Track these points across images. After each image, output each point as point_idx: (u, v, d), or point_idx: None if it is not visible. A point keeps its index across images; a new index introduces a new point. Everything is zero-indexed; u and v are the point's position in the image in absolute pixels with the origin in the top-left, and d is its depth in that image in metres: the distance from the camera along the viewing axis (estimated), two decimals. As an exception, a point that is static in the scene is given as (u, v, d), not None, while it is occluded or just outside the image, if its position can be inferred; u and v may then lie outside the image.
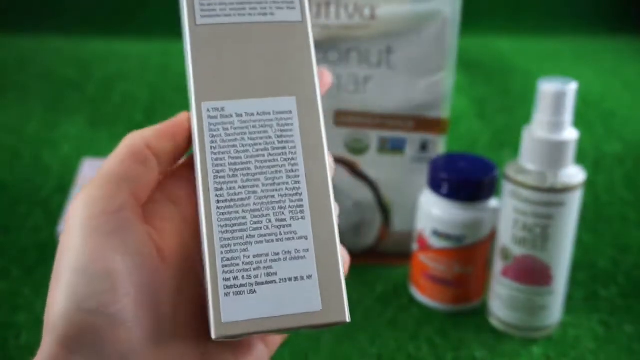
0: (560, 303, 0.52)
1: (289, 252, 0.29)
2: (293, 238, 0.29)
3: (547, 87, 0.47)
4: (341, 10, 0.54)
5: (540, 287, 0.51)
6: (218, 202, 0.29)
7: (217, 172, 0.29)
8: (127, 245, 0.28)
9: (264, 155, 0.29)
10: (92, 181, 0.29)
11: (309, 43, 0.31)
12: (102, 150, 0.76)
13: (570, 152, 0.49)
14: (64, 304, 0.26)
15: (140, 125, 0.82)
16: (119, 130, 0.81)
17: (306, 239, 0.29)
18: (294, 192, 0.29)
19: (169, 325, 0.28)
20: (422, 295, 0.55)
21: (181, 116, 0.31)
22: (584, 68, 1.04)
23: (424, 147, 0.57)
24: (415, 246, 0.55)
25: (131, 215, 0.28)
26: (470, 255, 0.53)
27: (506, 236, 0.51)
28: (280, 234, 0.29)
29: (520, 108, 0.89)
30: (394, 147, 0.57)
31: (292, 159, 0.30)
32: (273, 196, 0.29)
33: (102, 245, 0.27)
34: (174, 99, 0.89)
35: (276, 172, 0.29)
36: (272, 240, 0.29)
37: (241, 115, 0.30)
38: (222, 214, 0.28)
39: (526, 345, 0.51)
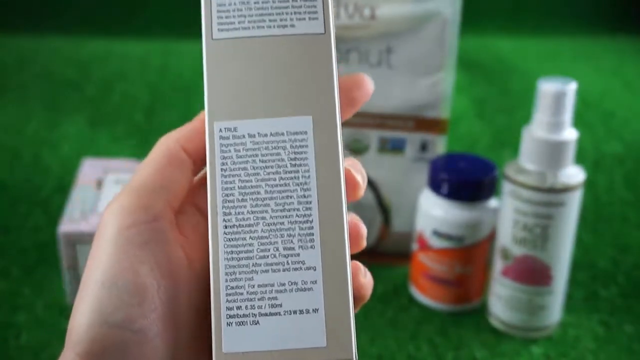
0: (560, 303, 0.52)
1: (296, 283, 0.27)
2: (301, 268, 0.27)
3: (547, 87, 0.47)
4: (341, 10, 0.54)
5: (540, 287, 0.51)
6: (225, 227, 0.28)
7: (226, 195, 0.28)
8: (159, 258, 0.27)
9: (275, 179, 0.28)
10: (127, 189, 0.28)
11: (330, 57, 0.29)
12: (102, 150, 0.76)
13: (570, 152, 0.49)
14: (89, 317, 0.26)
15: (140, 125, 0.82)
16: (119, 130, 0.81)
17: (314, 270, 0.27)
18: (305, 219, 0.28)
19: (190, 339, 0.28)
20: (422, 295, 0.55)
21: (202, 114, 0.30)
22: (584, 68, 1.04)
23: (424, 147, 0.57)
24: (415, 246, 0.55)
25: (166, 225, 0.28)
26: (470, 255, 0.53)
27: (506, 236, 0.51)
28: (288, 263, 0.27)
29: (520, 108, 0.89)
30: (394, 147, 0.57)
31: (305, 183, 0.28)
32: (282, 223, 0.28)
33: (133, 258, 0.26)
34: (174, 99, 0.89)
35: (287, 197, 0.28)
36: (279, 270, 0.27)
37: (254, 136, 0.28)
38: (229, 239, 0.27)
39: (526, 345, 0.51)
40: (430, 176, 0.53)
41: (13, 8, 1.11)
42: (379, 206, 0.59)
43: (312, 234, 0.28)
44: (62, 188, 0.68)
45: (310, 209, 0.28)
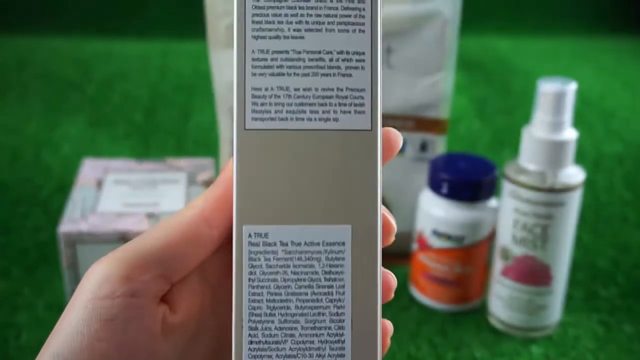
0: (560, 303, 0.52)
1: None
2: None
3: (547, 87, 0.47)
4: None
5: (540, 287, 0.51)
6: (251, 343, 0.26)
7: (253, 308, 0.26)
8: (122, 338, 0.26)
9: (307, 294, 0.26)
10: (120, 250, 0.27)
11: (375, 158, 0.26)
12: (102, 150, 0.76)
13: (570, 152, 0.49)
14: None
15: (140, 125, 0.82)
16: (119, 130, 0.81)
17: None
18: (336, 339, 0.26)
19: None
20: (422, 295, 0.55)
21: (229, 170, 0.27)
22: (583, 68, 1.04)
23: (424, 147, 0.57)
24: (415, 246, 0.55)
25: (144, 301, 0.26)
26: (470, 255, 0.53)
27: (506, 236, 0.51)
28: None
29: (520, 108, 0.89)
30: (394, 147, 0.57)
31: (339, 300, 0.26)
32: (312, 342, 0.26)
33: (93, 334, 0.25)
34: (174, 99, 0.89)
35: (319, 314, 0.26)
36: None
37: (286, 245, 0.26)
38: (254, 356, 0.26)
39: (526, 345, 0.51)
40: (430, 176, 0.53)
41: (13, 8, 1.11)
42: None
43: (343, 355, 0.26)
44: (62, 188, 0.68)
45: (342, 327, 0.26)
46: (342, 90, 0.26)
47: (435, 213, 0.53)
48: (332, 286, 0.26)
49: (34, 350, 0.49)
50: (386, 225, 0.27)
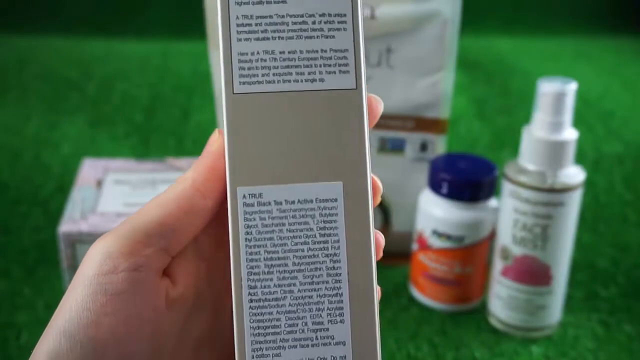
0: (560, 303, 0.52)
1: (325, 359, 0.26)
2: (330, 343, 0.26)
3: (547, 87, 0.47)
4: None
5: (540, 287, 0.51)
6: (251, 301, 0.26)
7: (252, 267, 0.26)
8: (129, 312, 0.26)
9: (303, 250, 0.26)
10: (121, 227, 0.27)
11: (362, 116, 0.27)
12: (102, 150, 0.76)
13: (570, 152, 0.49)
14: None
15: (140, 126, 0.82)
16: (119, 130, 0.81)
17: (344, 344, 0.26)
18: (334, 292, 0.26)
19: None
20: (422, 295, 0.55)
21: (215, 143, 0.28)
22: (584, 68, 1.04)
23: (424, 147, 0.57)
24: (415, 246, 0.55)
25: (148, 276, 0.26)
26: (470, 255, 0.53)
27: (506, 236, 0.51)
28: (317, 338, 0.26)
29: (520, 108, 0.89)
30: (394, 147, 0.57)
31: (335, 254, 0.27)
32: (311, 296, 0.26)
33: (100, 309, 0.26)
34: (174, 99, 0.89)
35: (316, 269, 0.26)
36: (307, 345, 0.26)
37: (280, 204, 0.26)
38: (255, 314, 0.26)
39: (526, 345, 0.51)
40: (430, 176, 0.53)
41: (13, 8, 1.11)
42: (379, 206, 0.59)
43: (342, 308, 0.26)
44: (62, 188, 0.68)
45: (340, 281, 0.27)
46: (326, 51, 0.27)
47: (435, 213, 0.53)
48: (327, 241, 0.27)
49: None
50: (372, 184, 0.28)
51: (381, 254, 0.28)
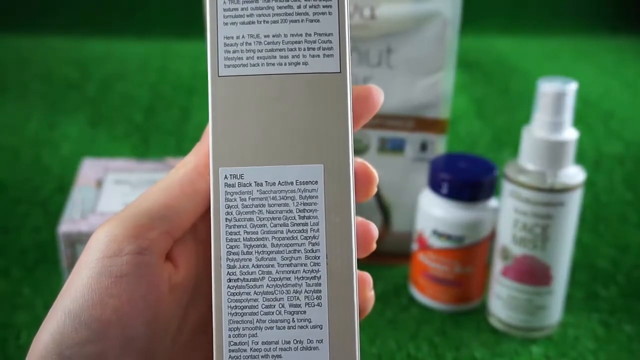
0: (560, 303, 0.52)
1: (301, 342, 0.26)
2: (307, 326, 0.26)
3: (547, 87, 0.47)
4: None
5: (540, 287, 0.51)
6: (229, 280, 0.26)
7: (231, 247, 0.26)
8: (133, 294, 0.26)
9: (282, 232, 0.27)
10: (124, 211, 0.27)
11: (345, 99, 0.27)
12: (102, 150, 0.76)
13: (570, 152, 0.49)
14: (46, 345, 0.26)
15: (140, 126, 0.82)
16: (119, 130, 0.81)
17: (321, 328, 0.26)
18: (312, 275, 0.26)
19: None
20: (422, 295, 0.55)
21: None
22: (584, 68, 1.04)
23: (424, 147, 0.57)
24: (415, 246, 0.55)
25: (152, 258, 0.27)
26: (470, 255, 0.53)
27: (506, 236, 0.51)
28: (293, 320, 0.26)
29: (520, 108, 0.89)
30: (394, 147, 0.57)
31: (314, 237, 0.27)
32: (289, 278, 0.26)
33: (104, 291, 0.26)
34: (174, 99, 0.89)
35: (294, 251, 0.27)
36: (284, 327, 0.26)
37: (261, 185, 0.27)
38: (233, 294, 0.26)
39: (526, 345, 0.51)
40: (430, 176, 0.53)
41: (13, 8, 1.11)
42: (379, 206, 0.59)
43: (320, 291, 0.26)
44: (62, 188, 0.68)
45: (318, 264, 0.27)
46: (310, 35, 0.27)
47: (435, 213, 0.53)
48: (306, 224, 0.27)
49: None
50: (367, 174, 0.28)
51: (374, 246, 0.28)
